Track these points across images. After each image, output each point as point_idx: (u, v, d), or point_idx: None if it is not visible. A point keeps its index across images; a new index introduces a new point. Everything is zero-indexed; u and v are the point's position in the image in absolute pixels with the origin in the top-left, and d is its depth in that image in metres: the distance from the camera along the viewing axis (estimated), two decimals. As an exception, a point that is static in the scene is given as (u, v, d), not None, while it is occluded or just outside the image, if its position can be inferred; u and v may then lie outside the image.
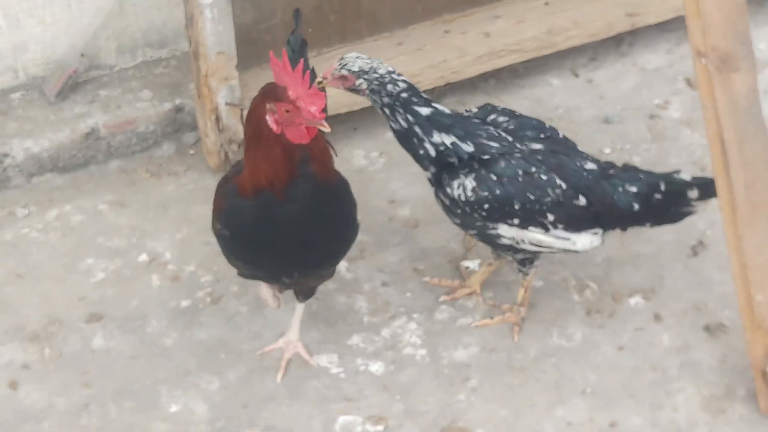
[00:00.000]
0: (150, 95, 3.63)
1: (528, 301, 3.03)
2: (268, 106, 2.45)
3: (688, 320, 3.06)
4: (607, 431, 2.78)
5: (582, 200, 2.78)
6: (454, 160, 2.75)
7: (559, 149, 2.86)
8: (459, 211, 2.80)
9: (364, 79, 2.74)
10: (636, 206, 2.79)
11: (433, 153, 2.76)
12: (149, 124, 3.59)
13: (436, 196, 2.85)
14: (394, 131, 2.80)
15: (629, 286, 3.17)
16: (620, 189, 2.79)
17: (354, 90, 2.77)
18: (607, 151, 3.64)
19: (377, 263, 3.24)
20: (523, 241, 2.81)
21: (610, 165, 2.86)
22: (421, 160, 2.80)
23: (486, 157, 2.75)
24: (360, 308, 3.11)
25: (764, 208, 2.63)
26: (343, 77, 2.74)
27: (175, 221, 3.40)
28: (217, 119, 3.41)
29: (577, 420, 2.80)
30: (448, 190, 2.78)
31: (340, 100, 3.52)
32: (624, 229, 2.88)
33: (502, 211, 2.76)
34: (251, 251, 2.66)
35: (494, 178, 2.74)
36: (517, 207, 2.75)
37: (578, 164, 2.82)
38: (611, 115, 3.79)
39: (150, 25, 3.69)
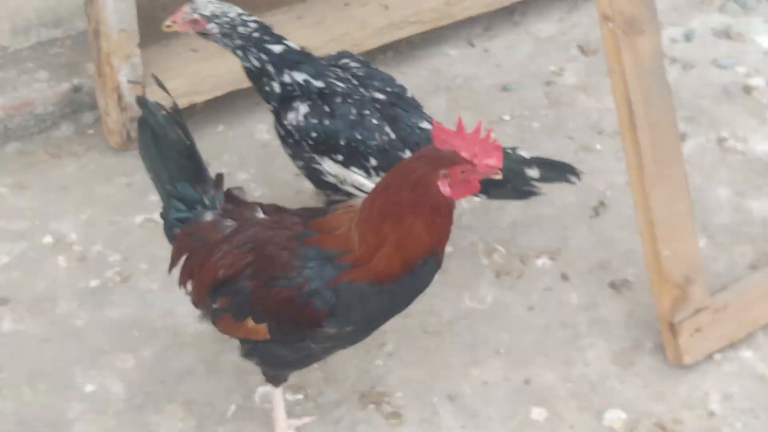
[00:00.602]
0: (47, 76, 3.57)
1: None
2: (441, 173, 2.29)
3: (594, 278, 3.13)
4: (522, 389, 2.84)
5: (407, 154, 2.87)
6: (298, 93, 2.86)
7: (400, 104, 2.96)
8: (291, 140, 2.91)
9: (215, 23, 2.79)
10: None
11: (278, 90, 2.88)
12: (47, 105, 3.53)
13: (275, 127, 2.96)
14: (247, 70, 2.89)
15: (536, 248, 3.23)
16: None
17: (204, 34, 2.83)
18: (507, 117, 3.71)
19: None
20: (345, 180, 2.90)
21: None
22: (267, 96, 2.92)
23: (326, 90, 2.86)
24: (272, 280, 3.11)
25: (669, 167, 2.70)
26: (194, 21, 2.81)
27: (78, 202, 3.36)
28: (119, 98, 3.37)
29: (492, 379, 2.85)
30: (284, 120, 2.89)
31: (242, 75, 3.51)
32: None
33: (327, 144, 2.88)
34: (352, 340, 2.51)
35: (327, 109, 2.87)
36: (342, 143, 2.87)
37: (413, 121, 2.93)
38: (509, 82, 3.85)
39: (44, 5, 3.63)
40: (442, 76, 3.88)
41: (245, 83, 3.49)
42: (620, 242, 3.22)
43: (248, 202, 2.57)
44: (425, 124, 2.92)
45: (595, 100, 3.78)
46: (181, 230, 2.55)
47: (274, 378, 2.62)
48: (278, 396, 2.66)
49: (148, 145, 2.56)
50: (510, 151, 2.90)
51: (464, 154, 2.29)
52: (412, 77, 3.86)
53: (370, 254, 2.31)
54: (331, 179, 2.91)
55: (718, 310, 2.86)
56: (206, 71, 3.52)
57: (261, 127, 3.64)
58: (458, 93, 3.80)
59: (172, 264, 2.58)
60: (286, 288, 2.36)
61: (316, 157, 2.90)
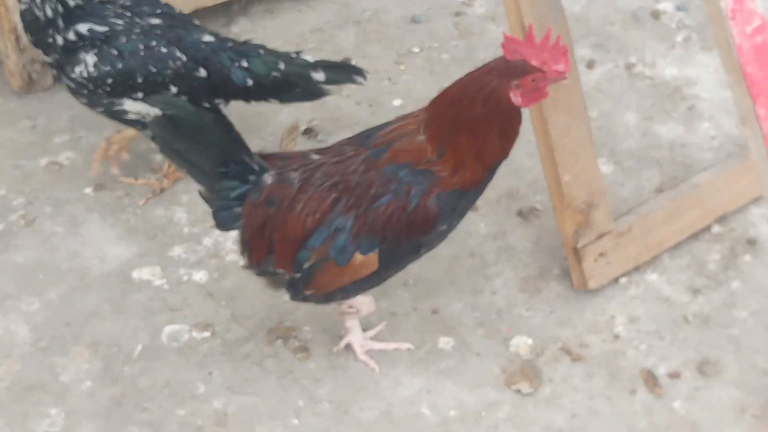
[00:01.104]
0: (-57, 19, 3.49)
1: (171, 177, 3.13)
2: (514, 83, 2.33)
3: (503, 207, 3.14)
4: (430, 318, 2.85)
5: (203, 72, 2.90)
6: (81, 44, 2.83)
7: (177, 24, 2.97)
8: (85, 90, 2.87)
9: None
10: (250, 82, 2.93)
11: (61, 43, 2.83)
12: (-56, 51, 3.46)
13: (61, 80, 2.92)
14: (30, 21, 2.84)
15: (444, 179, 3.22)
16: (236, 64, 2.91)
17: None
18: (416, 50, 3.68)
19: (194, 174, 3.21)
20: (149, 114, 2.87)
21: (229, 40, 3.00)
22: (47, 48, 2.86)
23: (108, 33, 2.84)
24: (180, 219, 3.09)
25: (567, 92, 2.69)
26: None
27: (-18, 146, 3.31)
28: (17, 39, 3.31)
29: (400, 310, 2.86)
30: (72, 74, 2.84)
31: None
32: (247, 101, 3.01)
33: (125, 85, 2.87)
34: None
35: (115, 52, 2.84)
36: (140, 80, 2.86)
37: (196, 37, 2.94)
38: (418, 14, 3.83)
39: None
40: (351, 9, 3.84)
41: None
42: (528, 170, 3.23)
43: (293, 152, 2.52)
44: (207, 37, 2.95)
45: (504, 29, 3.72)
46: (246, 205, 2.45)
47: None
48: (356, 320, 2.70)
49: (175, 141, 2.42)
50: (294, 55, 2.97)
51: (534, 62, 2.33)
52: (321, 11, 3.83)
53: (452, 166, 2.36)
54: (134, 116, 2.90)
55: (621, 234, 2.88)
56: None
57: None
58: (367, 26, 3.77)
59: (248, 246, 2.49)
60: (392, 201, 2.37)
61: (115, 100, 2.89)
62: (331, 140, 3.31)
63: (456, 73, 3.52)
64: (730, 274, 2.96)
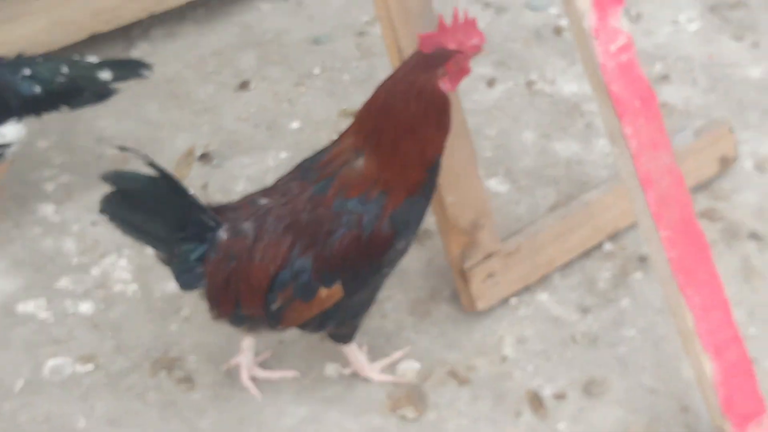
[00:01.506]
0: None
1: None
2: (440, 72, 2.35)
3: (396, 229, 3.12)
4: (318, 346, 2.81)
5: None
6: None
7: None
8: None
9: None
10: (38, 89, 2.91)
11: None
12: None
13: None
14: None
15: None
16: (19, 75, 2.90)
17: None
18: (317, 71, 3.67)
19: (86, 203, 3.18)
20: None
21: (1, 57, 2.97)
22: None
23: None
24: (69, 250, 3.06)
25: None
26: None
27: None
28: None
29: (288, 337, 2.83)
30: None
31: (37, 40, 3.44)
32: (39, 114, 2.98)
33: None
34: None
35: None
36: None
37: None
38: (321, 35, 3.81)
39: None
40: (253, 32, 3.82)
41: (44, 47, 3.44)
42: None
43: (241, 201, 2.50)
44: None
45: (407, 48, 3.75)
46: (207, 264, 2.43)
47: (347, 335, 2.63)
48: (354, 348, 2.67)
49: (129, 215, 2.39)
50: (78, 58, 2.99)
51: (451, 46, 2.34)
52: (223, 34, 3.81)
53: (398, 175, 2.38)
54: None
55: (510, 254, 2.87)
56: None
57: (64, 92, 3.55)
58: (269, 48, 3.75)
59: (215, 301, 2.49)
60: (346, 233, 2.38)
61: None
62: (228, 165, 3.31)
63: (356, 94, 3.55)
64: (620, 291, 2.96)
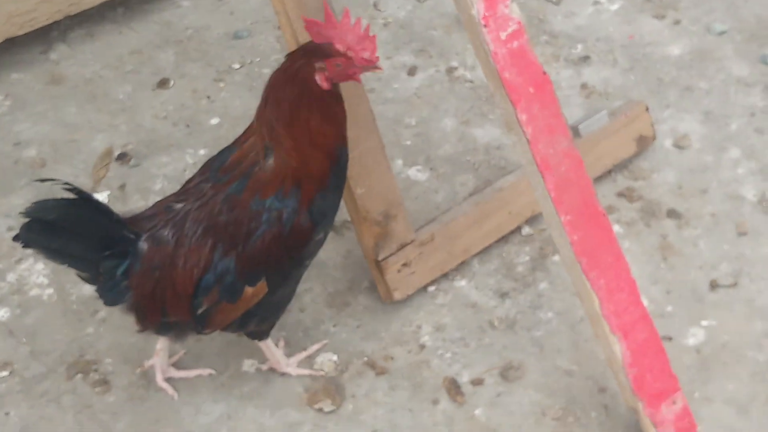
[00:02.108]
0: None
1: None
2: (317, 65, 2.32)
3: (315, 222, 3.11)
4: (235, 341, 2.80)
5: None
6: None
7: None
8: None
9: None
10: None
11: None
12: None
13: None
14: None
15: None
16: None
17: None
18: (237, 66, 3.65)
19: (2, 208, 3.16)
20: None
21: None
22: None
23: None
24: (-16, 256, 3.04)
25: (354, 105, 2.64)
26: None
27: None
28: None
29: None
30: None
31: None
32: None
33: None
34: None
35: None
36: None
37: None
38: (241, 30, 3.79)
39: None
40: (172, 29, 3.79)
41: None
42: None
43: (154, 208, 2.48)
44: None
45: (327, 40, 3.73)
46: (132, 278, 2.41)
47: (263, 332, 2.62)
48: (270, 344, 2.67)
49: (51, 242, 2.34)
50: None
51: (338, 46, 2.31)
52: (143, 32, 3.78)
53: (303, 167, 2.37)
54: None
55: (424, 243, 2.87)
56: None
57: (-21, 98, 3.53)
58: (188, 45, 3.73)
59: (142, 312, 2.47)
60: (267, 231, 2.39)
61: None
62: (146, 164, 3.29)
63: (275, 88, 3.53)
64: (538, 275, 2.96)
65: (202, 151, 3.34)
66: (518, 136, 2.41)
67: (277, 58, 3.68)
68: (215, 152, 3.21)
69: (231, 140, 3.27)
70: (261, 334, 2.64)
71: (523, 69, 2.38)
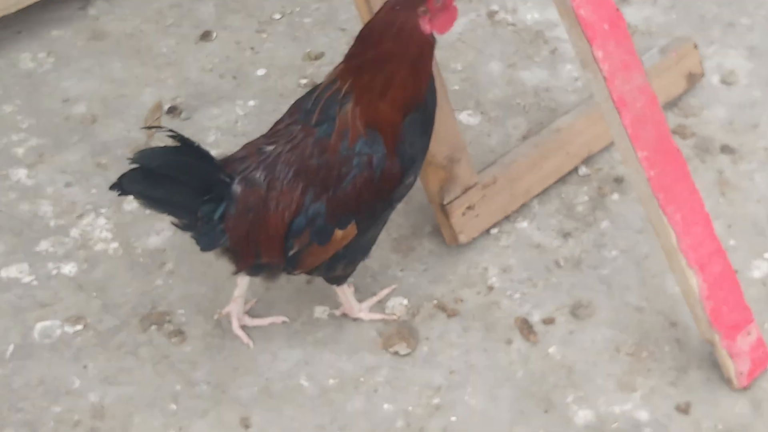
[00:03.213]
0: None
1: None
2: (420, 9, 2.32)
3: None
4: (305, 288, 2.84)
5: None
6: None
7: None
8: None
9: None
10: None
11: None
12: None
13: None
14: None
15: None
16: None
17: None
18: (277, 16, 3.64)
19: (58, 165, 3.16)
20: None
21: None
22: None
23: None
24: (45, 213, 3.03)
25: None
26: None
27: None
28: None
29: (273, 283, 2.83)
30: None
31: None
32: None
33: None
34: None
35: None
36: None
37: None
38: (278, -20, 3.78)
39: None
40: (211, -20, 3.78)
41: (2, 10, 3.40)
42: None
43: (245, 150, 2.48)
44: None
45: (366, -13, 3.72)
46: (228, 220, 2.42)
47: (343, 276, 2.64)
48: (346, 289, 2.69)
49: (154, 191, 2.34)
50: None
51: None
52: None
53: (390, 114, 2.39)
54: None
55: (487, 186, 2.89)
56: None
57: (25, 56, 3.51)
58: (225, -7, 3.72)
59: (237, 255, 2.48)
60: (357, 176, 2.40)
61: None
62: (197, 117, 3.29)
63: (319, 37, 3.54)
64: (599, 214, 2.99)
65: (251, 102, 3.34)
66: (594, 73, 2.42)
67: (317, 7, 3.68)
68: (265, 103, 3.26)
69: (279, 91, 3.33)
70: (342, 278, 2.65)
71: (598, 6, 2.39)
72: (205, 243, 2.46)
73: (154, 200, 2.37)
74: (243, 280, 2.67)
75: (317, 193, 2.42)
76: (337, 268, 2.58)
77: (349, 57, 2.43)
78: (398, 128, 2.42)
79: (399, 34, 2.34)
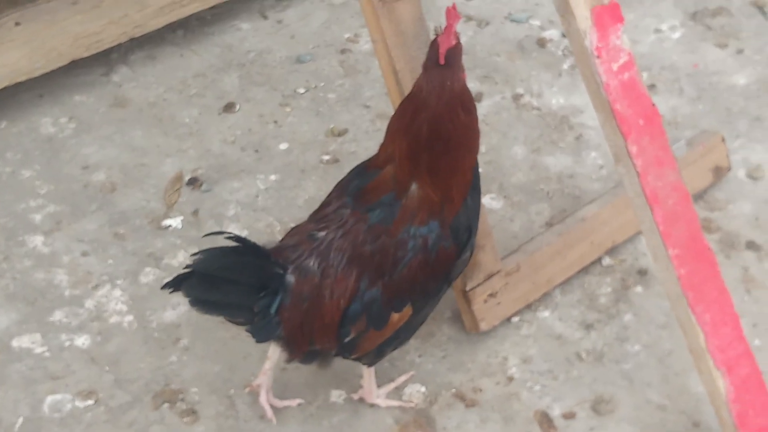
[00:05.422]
0: None
1: None
2: (459, 66, 2.38)
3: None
4: (321, 372, 2.75)
5: None
6: None
7: None
8: None
9: None
10: None
11: None
12: None
13: None
14: None
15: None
16: None
17: None
18: (302, 90, 3.62)
19: (75, 233, 3.13)
20: None
21: None
22: None
23: None
24: (60, 282, 3.00)
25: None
26: None
27: None
28: None
29: (291, 365, 2.78)
30: None
31: (18, 67, 3.38)
32: None
33: None
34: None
35: None
36: None
37: None
38: (303, 54, 3.77)
39: None
40: (234, 52, 3.77)
41: (21, 76, 3.38)
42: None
43: (296, 236, 2.46)
44: None
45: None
46: (283, 312, 2.39)
47: (383, 355, 2.60)
48: (372, 372, 2.65)
49: (211, 294, 2.32)
50: None
51: (444, 35, 2.34)
52: (204, 55, 3.76)
53: (455, 186, 2.42)
54: None
55: (510, 273, 2.85)
56: (-21, 65, 3.36)
57: (46, 120, 3.50)
58: (251, 68, 3.71)
59: (291, 344, 2.46)
60: (412, 259, 2.40)
61: None
62: (217, 189, 3.26)
63: (342, 113, 3.52)
64: (622, 306, 2.94)
65: (272, 177, 3.31)
66: (627, 168, 2.39)
67: (341, 83, 3.66)
68: (286, 178, 3.23)
69: (301, 167, 3.31)
70: (372, 362, 2.61)
71: (634, 101, 2.37)
72: (261, 336, 2.44)
73: (210, 303, 2.34)
74: (274, 353, 2.62)
75: (372, 279, 2.39)
76: (389, 349, 2.55)
77: (405, 142, 2.40)
78: (458, 209, 2.42)
79: (463, 104, 2.38)
